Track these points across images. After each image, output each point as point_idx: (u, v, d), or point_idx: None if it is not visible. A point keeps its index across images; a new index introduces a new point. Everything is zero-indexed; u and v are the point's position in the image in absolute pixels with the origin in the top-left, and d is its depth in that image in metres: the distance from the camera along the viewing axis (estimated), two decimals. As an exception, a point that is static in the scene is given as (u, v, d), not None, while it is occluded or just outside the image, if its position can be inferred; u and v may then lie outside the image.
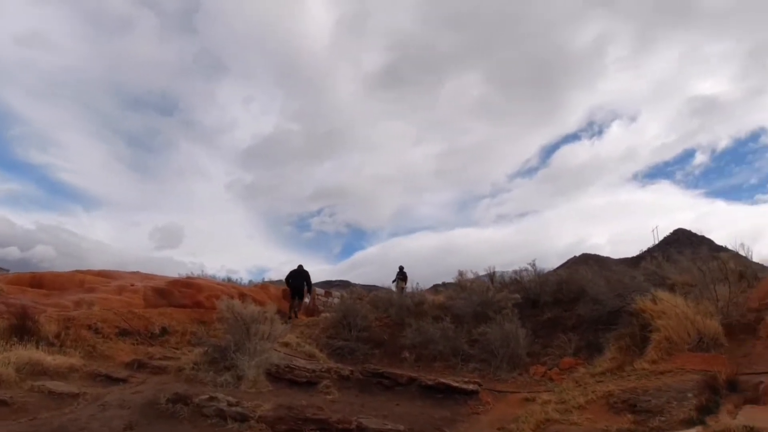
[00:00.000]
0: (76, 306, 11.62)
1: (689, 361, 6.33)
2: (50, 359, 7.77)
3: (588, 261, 21.17)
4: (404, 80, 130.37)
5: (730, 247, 9.63)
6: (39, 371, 7.35)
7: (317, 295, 17.50)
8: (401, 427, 5.34)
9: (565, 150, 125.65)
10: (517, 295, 10.87)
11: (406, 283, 17.69)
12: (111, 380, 7.51)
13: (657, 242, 32.76)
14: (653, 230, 35.65)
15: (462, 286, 12.54)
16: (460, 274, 13.34)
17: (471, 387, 7.01)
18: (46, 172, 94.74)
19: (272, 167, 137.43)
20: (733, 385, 5.45)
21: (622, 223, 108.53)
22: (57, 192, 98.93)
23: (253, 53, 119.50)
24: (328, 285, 31.65)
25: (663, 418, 4.84)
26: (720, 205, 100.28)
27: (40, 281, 15.05)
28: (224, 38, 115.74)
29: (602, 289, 9.59)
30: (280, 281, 19.95)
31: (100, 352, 9.18)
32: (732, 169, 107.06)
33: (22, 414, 5.68)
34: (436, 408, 6.48)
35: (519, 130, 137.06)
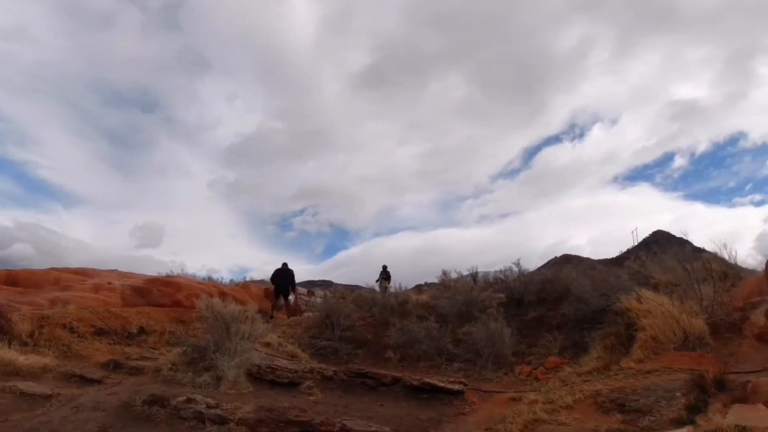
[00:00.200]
0: (52, 304, 11.35)
1: (676, 360, 6.31)
2: (23, 359, 7.59)
3: (569, 262, 21.31)
4: (388, 80, 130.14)
5: (708, 248, 9.68)
6: (11, 371, 7.17)
7: (300, 294, 17.29)
8: (386, 429, 5.22)
9: (547, 152, 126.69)
10: (502, 295, 10.82)
11: (389, 283, 17.55)
12: (86, 381, 7.34)
13: (636, 243, 33.08)
14: (633, 232, 36.01)
15: (446, 285, 12.48)
16: (444, 273, 13.29)
17: (457, 387, 6.91)
18: (25, 169, 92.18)
19: (255, 166, 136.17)
20: (720, 384, 5.43)
21: (603, 224, 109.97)
22: (36, 189, 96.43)
23: (237, 51, 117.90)
24: (310, 285, 31.37)
25: (653, 418, 4.78)
26: (699, 208, 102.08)
27: (15, 279, 14.56)
28: (208, 35, 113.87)
29: (587, 289, 9.58)
30: (262, 281, 19.70)
31: (75, 351, 8.98)
32: (710, 173, 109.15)
33: (-8, 416, 5.45)
34: (421, 409, 6.37)
35: (502, 131, 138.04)
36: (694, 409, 4.87)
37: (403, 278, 24.02)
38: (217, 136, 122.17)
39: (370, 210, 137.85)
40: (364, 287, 16.71)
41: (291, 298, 14.35)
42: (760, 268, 9.81)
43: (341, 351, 10.21)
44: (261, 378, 7.23)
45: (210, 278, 19.53)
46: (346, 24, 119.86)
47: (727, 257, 9.73)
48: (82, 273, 15.96)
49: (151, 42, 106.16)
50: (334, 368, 7.65)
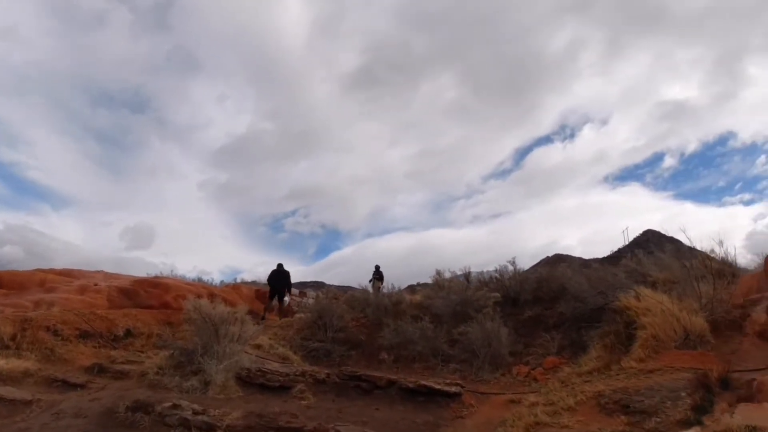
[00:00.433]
0: (35, 306, 11.08)
1: (678, 359, 6.16)
2: (3, 363, 7.34)
3: (562, 261, 21.24)
4: (379, 81, 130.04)
5: (701, 247, 9.54)
6: (-10, 376, 6.89)
7: (292, 295, 17.07)
8: (382, 434, 5.01)
9: (538, 152, 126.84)
10: (497, 294, 10.64)
11: (382, 283, 17.38)
12: (68, 386, 7.08)
13: (627, 243, 33.10)
14: (624, 231, 35.93)
15: (440, 285, 12.28)
16: (438, 273, 13.11)
17: (453, 389, 6.72)
18: (14, 170, 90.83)
19: (246, 167, 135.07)
20: (725, 383, 5.25)
21: (593, 224, 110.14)
22: (25, 191, 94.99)
23: (228, 51, 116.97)
24: (302, 285, 31.07)
25: (659, 419, 4.62)
26: (689, 207, 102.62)
27: (-1, 281, 14.24)
28: (199, 35, 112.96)
29: (583, 287, 9.43)
30: (253, 282, 19.45)
31: (58, 355, 8.67)
32: (700, 172, 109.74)
33: (-32, 423, 5.24)
34: (418, 412, 6.17)
35: (493, 132, 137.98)
36: (701, 410, 4.70)
37: (396, 279, 23.86)
38: (208, 137, 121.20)
39: (362, 211, 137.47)
40: (356, 288, 16.55)
41: (287, 299, 14.12)
42: (751, 266, 9.74)
43: (334, 353, 9.97)
44: (251, 382, 7.00)
45: (200, 279, 19.27)
46: (338, 25, 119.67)
47: (723, 255, 9.62)
48: (68, 274, 15.61)
49: (141, 42, 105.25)
50: (326, 371, 7.43)
